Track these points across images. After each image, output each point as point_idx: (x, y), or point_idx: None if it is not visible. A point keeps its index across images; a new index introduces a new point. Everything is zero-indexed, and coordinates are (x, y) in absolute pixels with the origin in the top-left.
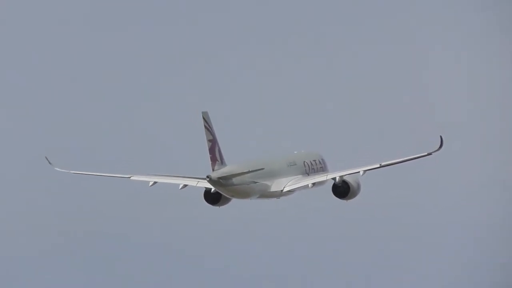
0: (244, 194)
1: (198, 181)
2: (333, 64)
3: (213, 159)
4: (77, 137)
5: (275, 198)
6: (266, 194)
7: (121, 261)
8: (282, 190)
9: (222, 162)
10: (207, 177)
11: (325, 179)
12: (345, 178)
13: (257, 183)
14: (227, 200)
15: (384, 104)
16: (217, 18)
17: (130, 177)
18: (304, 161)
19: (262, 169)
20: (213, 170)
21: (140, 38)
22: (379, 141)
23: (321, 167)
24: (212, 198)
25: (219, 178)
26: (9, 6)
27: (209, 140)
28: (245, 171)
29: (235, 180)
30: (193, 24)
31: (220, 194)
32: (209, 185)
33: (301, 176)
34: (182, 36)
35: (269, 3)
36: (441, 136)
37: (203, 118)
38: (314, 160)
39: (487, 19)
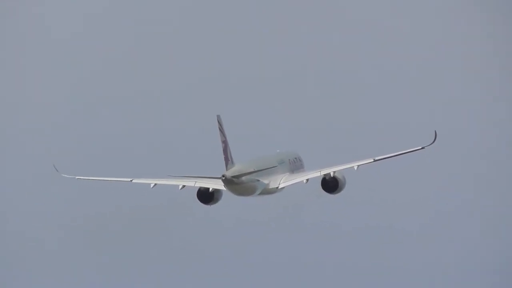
0: (250, 191)
1: (196, 182)
2: (325, 57)
3: (226, 159)
4: (81, 143)
5: (271, 194)
6: (266, 191)
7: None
8: (277, 187)
9: (232, 162)
10: (222, 176)
11: (319, 175)
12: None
13: (259, 181)
14: (217, 200)
15: (376, 98)
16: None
17: (131, 180)
18: (288, 159)
19: (275, 166)
20: (226, 169)
21: (146, 38)
22: (371, 136)
23: (300, 164)
24: (205, 197)
25: (233, 176)
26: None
27: (222, 141)
28: (253, 170)
29: (244, 178)
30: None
31: (212, 194)
32: (204, 185)
33: (288, 173)
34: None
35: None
36: (435, 131)
37: (217, 121)
38: (295, 158)
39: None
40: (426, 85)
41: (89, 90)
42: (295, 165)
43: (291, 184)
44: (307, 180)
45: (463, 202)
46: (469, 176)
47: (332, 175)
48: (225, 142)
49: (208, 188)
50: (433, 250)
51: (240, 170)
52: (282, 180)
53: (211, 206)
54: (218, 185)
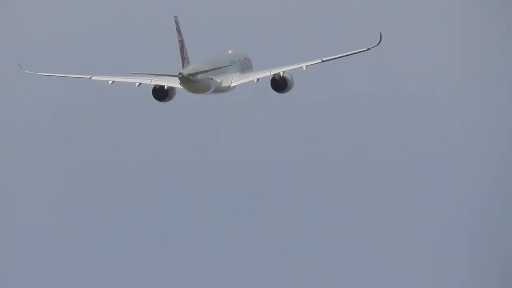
0: (204, 89)
1: (152, 79)
2: None
3: (182, 58)
4: (45, 40)
5: (223, 92)
6: (218, 89)
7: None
8: (229, 86)
9: (188, 61)
10: (179, 74)
11: (269, 74)
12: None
13: (213, 80)
14: (171, 97)
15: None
16: None
17: (91, 77)
18: (239, 59)
19: (229, 65)
20: (182, 68)
21: None
22: (321, 38)
23: (250, 65)
24: (160, 95)
25: (189, 75)
26: None
27: (179, 41)
28: (208, 68)
29: (200, 76)
30: None
31: (167, 92)
32: (159, 83)
33: (238, 73)
34: None
35: None
36: (380, 33)
37: (175, 22)
38: (245, 59)
39: None
40: None
41: None
42: (245, 65)
43: (242, 83)
44: (258, 79)
45: (410, 97)
46: (412, 74)
47: (281, 75)
48: (181, 42)
49: (163, 86)
50: (375, 149)
51: (196, 69)
52: (234, 79)
53: (166, 103)
54: (173, 83)
